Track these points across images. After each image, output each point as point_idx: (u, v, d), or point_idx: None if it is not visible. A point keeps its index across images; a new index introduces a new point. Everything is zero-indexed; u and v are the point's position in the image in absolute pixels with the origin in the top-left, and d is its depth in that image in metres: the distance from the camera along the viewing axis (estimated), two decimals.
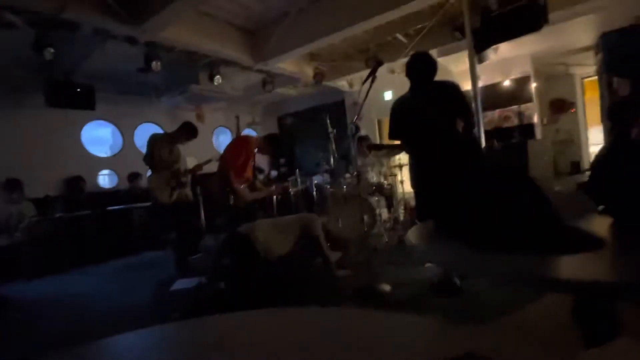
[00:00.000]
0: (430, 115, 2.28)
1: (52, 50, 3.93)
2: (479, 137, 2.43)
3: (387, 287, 2.64)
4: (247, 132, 9.69)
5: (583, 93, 8.32)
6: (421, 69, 2.39)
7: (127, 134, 6.98)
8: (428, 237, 0.97)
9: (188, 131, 4.12)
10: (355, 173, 4.17)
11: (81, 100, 5.36)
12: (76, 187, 5.86)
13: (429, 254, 0.89)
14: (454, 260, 0.79)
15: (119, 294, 3.41)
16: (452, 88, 2.36)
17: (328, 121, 4.40)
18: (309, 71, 6.71)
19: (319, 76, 6.61)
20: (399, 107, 2.50)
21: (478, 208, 0.79)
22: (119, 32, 4.19)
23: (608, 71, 5.73)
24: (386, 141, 8.64)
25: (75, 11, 3.57)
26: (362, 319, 0.69)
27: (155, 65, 4.68)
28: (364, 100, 2.69)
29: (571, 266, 0.66)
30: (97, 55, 4.77)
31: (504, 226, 0.73)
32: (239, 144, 3.42)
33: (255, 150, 3.53)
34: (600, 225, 0.91)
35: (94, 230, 5.25)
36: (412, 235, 1.07)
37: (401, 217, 5.14)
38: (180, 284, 3.31)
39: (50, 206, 5.06)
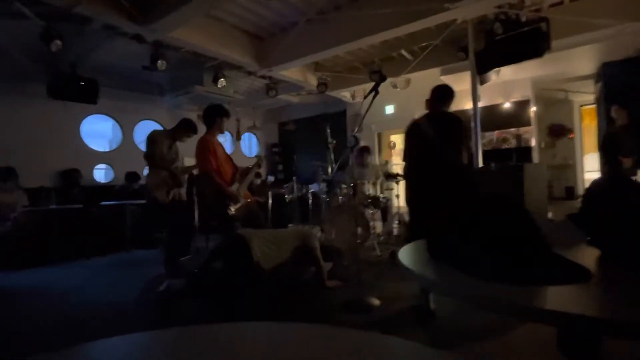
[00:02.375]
0: (439, 142, 2.54)
1: (59, 42, 3.95)
2: (472, 163, 2.72)
3: (376, 301, 2.63)
4: (247, 135, 9.74)
5: (581, 120, 8.45)
6: (442, 99, 2.73)
7: (127, 129, 6.99)
8: (419, 257, 0.98)
9: (187, 127, 4.09)
10: (351, 184, 4.20)
11: (84, 93, 5.37)
12: (71, 179, 5.84)
13: (417, 274, 0.90)
14: (439, 283, 0.80)
15: (105, 291, 3.37)
16: (459, 122, 2.65)
17: (328, 131, 4.42)
18: (312, 80, 6.77)
19: (322, 86, 6.66)
20: (411, 131, 2.75)
21: (468, 233, 0.80)
22: (128, 29, 4.22)
23: (607, 100, 5.83)
24: (385, 154, 8.63)
25: (88, 7, 3.60)
26: (345, 338, 0.69)
27: (161, 64, 4.72)
28: (365, 113, 2.72)
29: (557, 297, 0.67)
30: (104, 50, 4.80)
31: (493, 253, 0.74)
32: (202, 148, 3.31)
33: (218, 136, 3.50)
34: (588, 256, 0.92)
35: (86, 224, 5.21)
36: (403, 253, 1.07)
37: (395, 231, 5.15)
38: (168, 285, 3.28)
39: (44, 197, 5.02)
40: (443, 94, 2.75)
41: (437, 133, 2.57)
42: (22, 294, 3.40)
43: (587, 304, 0.65)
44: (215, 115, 3.43)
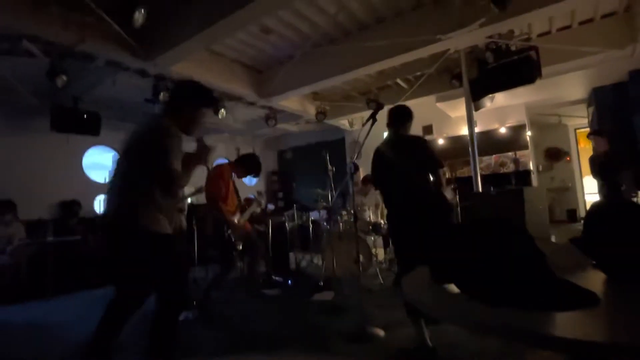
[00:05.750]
0: (398, 169, 2.42)
1: (64, 77, 4.06)
2: (441, 184, 2.42)
3: (380, 332, 2.56)
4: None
5: (577, 143, 8.56)
6: (397, 119, 2.59)
7: None
8: (422, 285, 0.96)
9: None
10: (352, 211, 4.19)
11: (87, 126, 5.47)
12: (71, 211, 5.81)
13: (421, 302, 0.88)
14: (445, 311, 0.78)
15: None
16: (420, 144, 2.50)
17: (327, 158, 4.47)
18: (311, 109, 6.92)
19: (321, 115, 6.79)
20: (374, 158, 2.65)
21: (470, 260, 0.79)
22: (131, 64, 4.36)
23: (599, 123, 5.95)
24: None
25: (93, 44, 3.74)
26: None
27: (163, 96, 4.83)
28: (364, 140, 2.76)
29: (565, 323, 0.65)
30: (107, 84, 4.93)
31: (497, 279, 0.73)
32: (217, 175, 3.41)
33: (233, 175, 3.59)
34: (595, 280, 0.91)
35: (83, 256, 5.13)
36: (407, 281, 1.06)
37: None
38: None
39: (42, 229, 4.98)
40: (398, 115, 2.60)
41: (399, 158, 2.42)
42: (17, 328, 3.30)
43: (596, 330, 0.64)
44: (250, 170, 3.61)
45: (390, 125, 2.62)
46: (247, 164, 3.60)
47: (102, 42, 3.80)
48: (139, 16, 3.32)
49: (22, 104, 5.38)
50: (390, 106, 2.71)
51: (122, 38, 3.80)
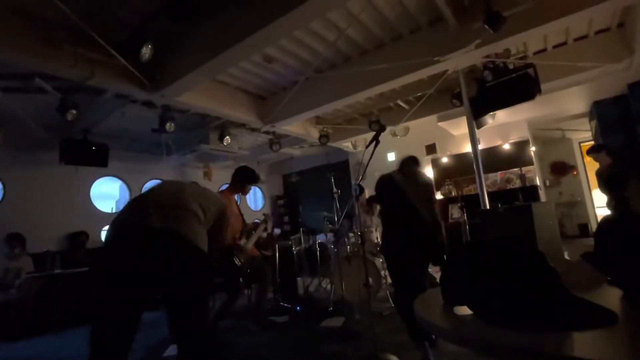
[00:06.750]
0: (414, 196, 2.77)
1: (74, 111, 4.19)
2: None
3: (393, 358, 2.48)
4: (252, 188, 9.86)
5: (582, 156, 8.51)
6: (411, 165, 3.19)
7: (134, 189, 7.13)
8: (434, 307, 0.94)
9: None
10: (359, 232, 4.15)
11: (95, 157, 5.58)
12: (78, 242, 5.83)
13: (433, 324, 0.86)
14: (457, 334, 0.76)
15: None
16: (429, 181, 3.12)
17: (332, 180, 4.48)
18: (314, 133, 7.01)
19: (324, 138, 6.88)
20: (387, 182, 2.95)
21: (482, 280, 0.78)
22: (139, 97, 4.49)
23: (603, 136, 5.94)
24: None
25: (102, 79, 3.87)
26: None
27: (169, 126, 4.93)
28: (368, 162, 2.78)
29: (583, 343, 0.63)
30: (115, 116, 5.07)
31: (510, 300, 0.72)
32: None
33: (237, 198, 3.57)
34: (611, 297, 0.88)
35: (90, 287, 5.08)
36: (418, 303, 1.03)
37: None
38: (174, 350, 3.12)
39: (49, 262, 4.98)
40: (412, 161, 3.25)
41: (414, 189, 2.82)
42: None
43: (616, 349, 0.62)
44: (246, 180, 3.56)
45: (406, 167, 3.17)
46: (241, 177, 3.52)
47: (111, 76, 3.93)
48: (146, 51, 3.45)
49: (32, 137, 5.53)
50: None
51: (130, 72, 3.94)
